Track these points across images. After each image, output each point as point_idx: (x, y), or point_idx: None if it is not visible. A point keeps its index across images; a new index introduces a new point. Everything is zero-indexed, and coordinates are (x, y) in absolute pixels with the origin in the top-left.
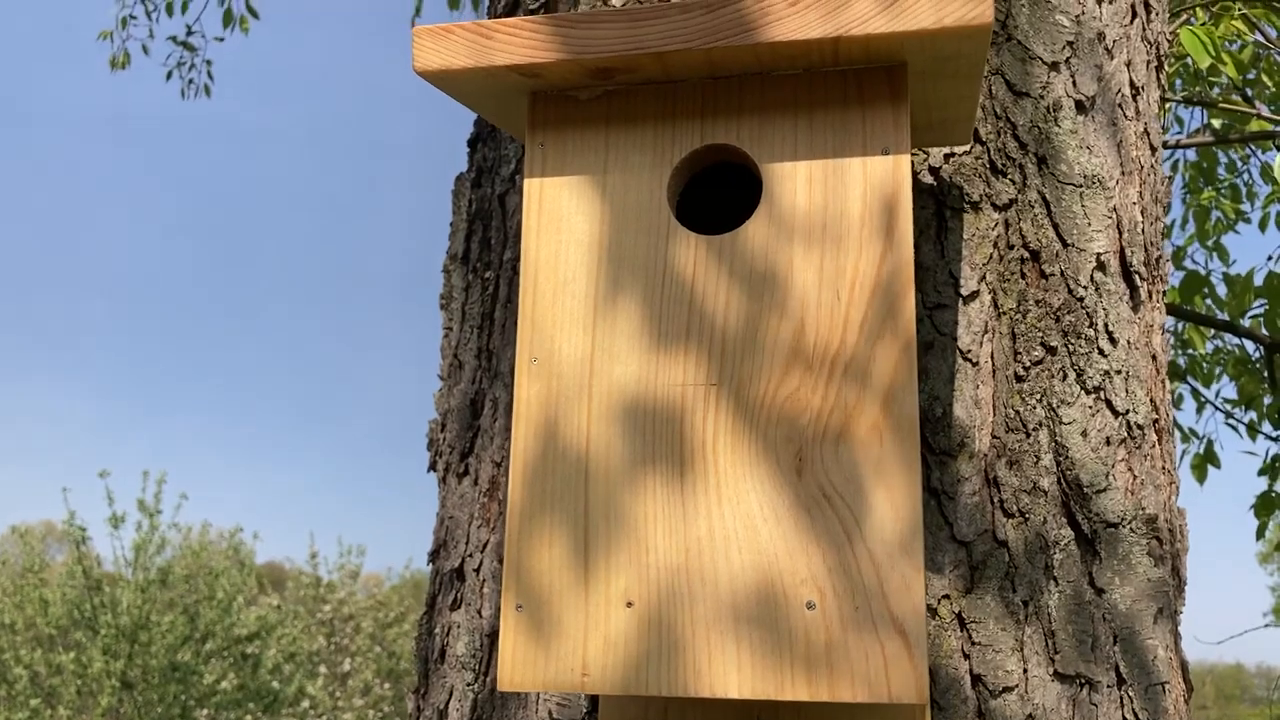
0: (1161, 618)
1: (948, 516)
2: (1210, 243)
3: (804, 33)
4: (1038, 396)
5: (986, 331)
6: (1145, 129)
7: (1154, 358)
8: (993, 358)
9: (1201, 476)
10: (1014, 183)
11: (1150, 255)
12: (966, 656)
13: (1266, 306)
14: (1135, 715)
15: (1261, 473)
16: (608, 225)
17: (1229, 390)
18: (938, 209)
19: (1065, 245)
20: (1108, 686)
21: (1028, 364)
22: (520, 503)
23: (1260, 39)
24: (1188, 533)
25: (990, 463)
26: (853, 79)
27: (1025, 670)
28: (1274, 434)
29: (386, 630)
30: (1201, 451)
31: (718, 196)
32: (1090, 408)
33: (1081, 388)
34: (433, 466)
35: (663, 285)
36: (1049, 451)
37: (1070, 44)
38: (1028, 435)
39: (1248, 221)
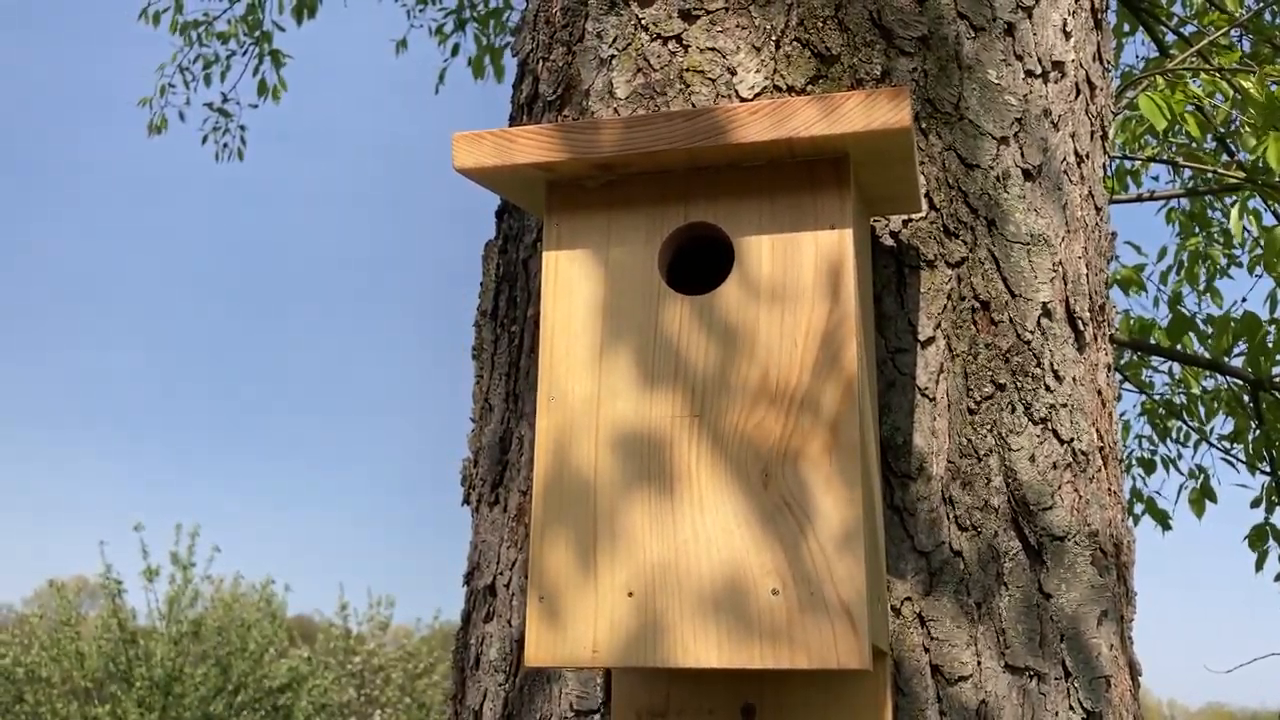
0: (1106, 620)
1: (909, 530)
2: (1201, 286)
3: (762, 135)
4: (988, 427)
5: (942, 371)
6: (1090, 191)
7: (1099, 393)
8: (948, 394)
9: (1200, 511)
10: (965, 243)
11: (1094, 303)
12: (926, 650)
13: (1247, 346)
14: (1080, 704)
15: (1254, 504)
16: (610, 289)
17: (1228, 426)
18: (898, 267)
19: (1014, 296)
20: (1055, 679)
21: (979, 399)
22: (540, 514)
23: (1220, 102)
24: (1134, 547)
25: (946, 484)
26: (805, 169)
27: (979, 663)
28: (1266, 467)
29: (416, 681)
30: (1199, 486)
31: (702, 259)
32: (1038, 436)
33: (1029, 419)
34: (466, 500)
35: (654, 337)
36: (999, 474)
37: (1018, 120)
38: (979, 460)
39: (1239, 265)
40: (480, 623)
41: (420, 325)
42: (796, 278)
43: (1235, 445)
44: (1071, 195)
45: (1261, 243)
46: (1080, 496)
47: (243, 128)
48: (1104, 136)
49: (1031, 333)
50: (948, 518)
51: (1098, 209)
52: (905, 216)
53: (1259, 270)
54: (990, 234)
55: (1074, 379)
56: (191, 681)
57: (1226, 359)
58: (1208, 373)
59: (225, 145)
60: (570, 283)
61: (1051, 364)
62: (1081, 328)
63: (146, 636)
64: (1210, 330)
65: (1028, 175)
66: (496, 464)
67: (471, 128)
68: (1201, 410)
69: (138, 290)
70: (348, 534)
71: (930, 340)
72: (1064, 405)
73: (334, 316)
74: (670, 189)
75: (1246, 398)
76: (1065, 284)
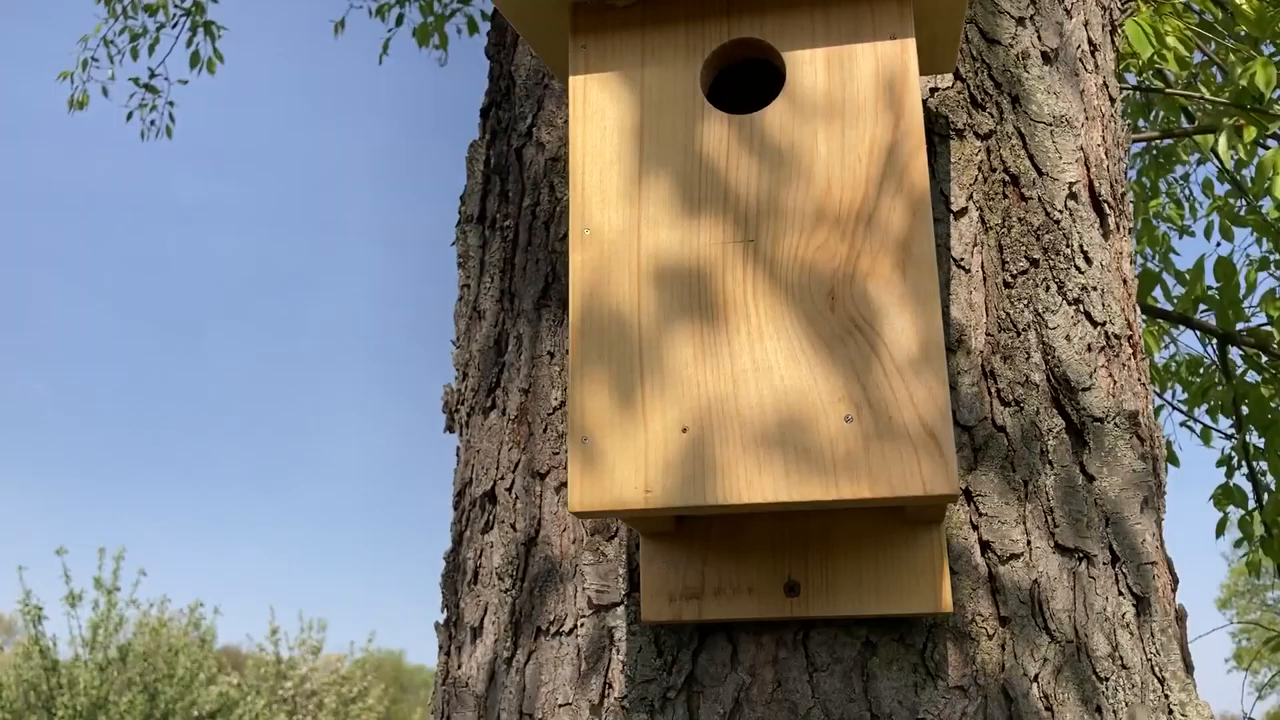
0: (1147, 508)
1: (951, 404)
2: (1160, 249)
3: None
4: (1025, 302)
5: (976, 244)
6: (1104, 82)
7: (1125, 281)
8: (983, 267)
9: None
10: (992, 115)
11: (1116, 190)
12: (975, 527)
13: (1219, 293)
14: (1130, 589)
15: (1220, 464)
16: (646, 112)
17: (1182, 396)
18: (927, 136)
19: (1040, 174)
20: (1103, 563)
21: (1015, 273)
22: (577, 354)
23: (1203, 31)
24: (1163, 441)
25: (986, 358)
26: None
27: (1029, 541)
28: (1228, 431)
29: (349, 706)
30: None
31: (749, 84)
32: (1072, 316)
33: (1063, 298)
34: (450, 426)
35: (698, 161)
36: (1038, 350)
37: (1033, 2)
38: (1018, 334)
39: (1191, 234)
40: (478, 535)
41: (350, 351)
42: (855, 92)
43: (1199, 408)
44: (1088, 83)
45: (1219, 206)
46: (1115, 381)
47: (171, 104)
48: (1113, 31)
49: (1060, 212)
50: (989, 392)
51: (1111, 100)
52: (932, 85)
53: (1216, 234)
54: (1015, 110)
55: (1101, 264)
56: (117, 710)
57: (1193, 313)
58: (1166, 339)
59: (153, 123)
60: (601, 108)
61: (1081, 245)
62: (1107, 212)
63: (70, 665)
64: (1175, 284)
65: (1045, 58)
66: (493, 366)
67: (415, 142)
68: (1162, 375)
69: (48, 313)
70: (276, 562)
71: (964, 211)
72: (1094, 288)
73: (257, 340)
74: (711, 4)
75: (1213, 350)
76: (1088, 168)
